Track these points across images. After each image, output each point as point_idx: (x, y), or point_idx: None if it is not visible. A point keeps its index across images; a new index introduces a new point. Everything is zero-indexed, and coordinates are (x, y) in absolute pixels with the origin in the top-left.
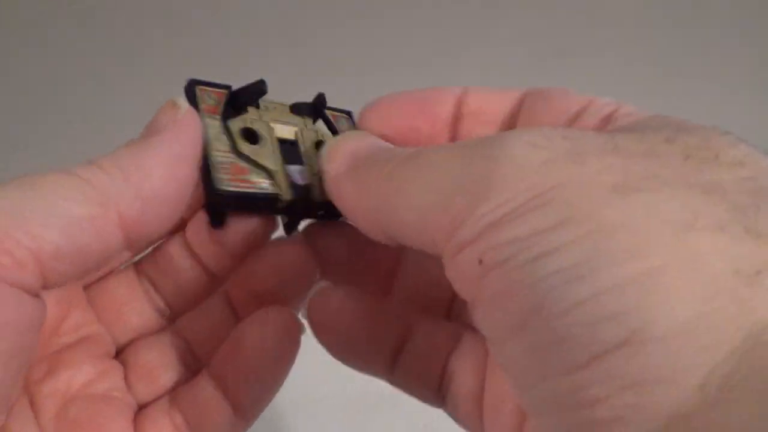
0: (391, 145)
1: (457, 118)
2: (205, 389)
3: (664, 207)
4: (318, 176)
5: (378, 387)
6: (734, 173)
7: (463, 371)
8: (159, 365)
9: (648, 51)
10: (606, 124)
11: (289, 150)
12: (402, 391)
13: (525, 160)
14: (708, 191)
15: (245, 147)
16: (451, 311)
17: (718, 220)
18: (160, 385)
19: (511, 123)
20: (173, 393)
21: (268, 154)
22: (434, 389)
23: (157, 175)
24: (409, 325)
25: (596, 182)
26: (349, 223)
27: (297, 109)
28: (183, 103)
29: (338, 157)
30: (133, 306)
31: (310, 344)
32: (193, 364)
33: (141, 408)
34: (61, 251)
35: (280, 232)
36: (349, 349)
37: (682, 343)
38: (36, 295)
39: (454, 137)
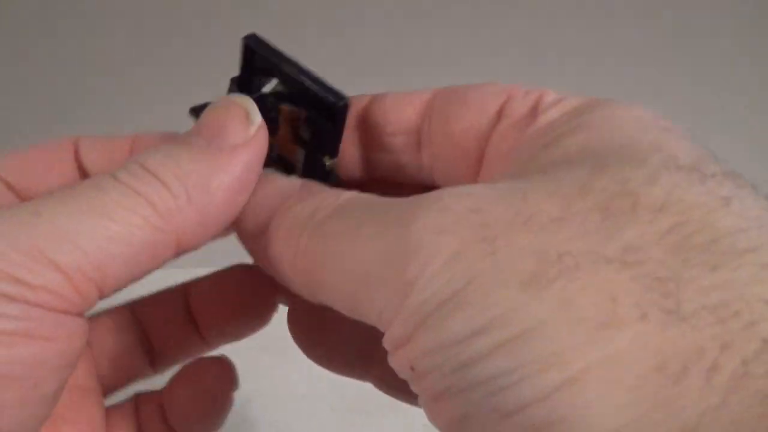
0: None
1: (363, 130)
2: (153, 419)
3: (581, 299)
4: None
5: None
6: (656, 225)
7: None
8: (120, 352)
9: (647, 50)
10: (534, 117)
11: None
12: (386, 393)
13: (436, 252)
14: (628, 263)
15: None
16: None
17: (638, 305)
18: (123, 375)
19: (420, 131)
20: (138, 398)
21: None
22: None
23: (221, 201)
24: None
25: (509, 276)
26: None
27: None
28: (256, 116)
29: (254, 212)
30: None
31: None
32: (150, 352)
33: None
34: (120, 279)
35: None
36: (324, 354)
37: None
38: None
39: (362, 154)
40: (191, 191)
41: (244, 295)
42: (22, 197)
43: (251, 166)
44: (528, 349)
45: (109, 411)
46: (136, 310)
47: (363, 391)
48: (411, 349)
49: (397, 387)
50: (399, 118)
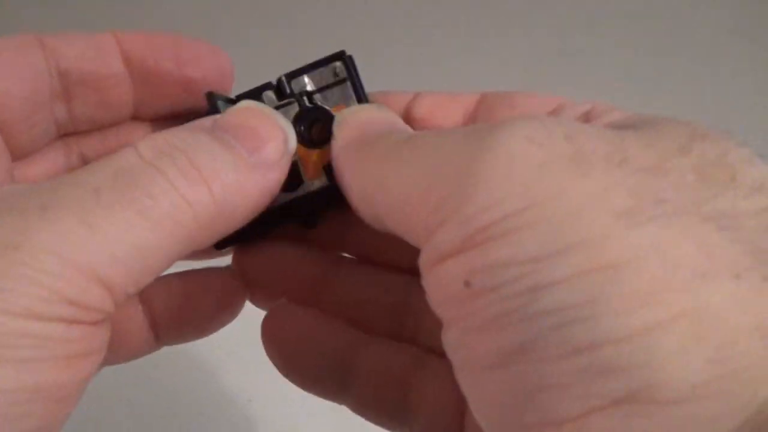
0: (406, 126)
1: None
2: (134, 317)
3: (677, 246)
4: None
5: None
6: (753, 202)
7: (434, 398)
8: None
9: (650, 50)
10: (587, 122)
11: None
12: (361, 416)
13: (520, 157)
14: (724, 227)
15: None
16: (402, 331)
17: (734, 265)
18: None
19: None
20: None
21: None
22: (395, 415)
23: (243, 215)
24: (358, 345)
25: (601, 203)
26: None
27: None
28: (293, 140)
29: (349, 127)
30: None
31: None
32: None
33: None
34: (143, 286)
35: None
36: (297, 369)
37: (690, 411)
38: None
39: None
40: (227, 204)
41: (205, 300)
42: None
43: (276, 187)
44: (617, 283)
45: None
46: None
47: None
48: (470, 260)
49: (377, 410)
50: (448, 112)
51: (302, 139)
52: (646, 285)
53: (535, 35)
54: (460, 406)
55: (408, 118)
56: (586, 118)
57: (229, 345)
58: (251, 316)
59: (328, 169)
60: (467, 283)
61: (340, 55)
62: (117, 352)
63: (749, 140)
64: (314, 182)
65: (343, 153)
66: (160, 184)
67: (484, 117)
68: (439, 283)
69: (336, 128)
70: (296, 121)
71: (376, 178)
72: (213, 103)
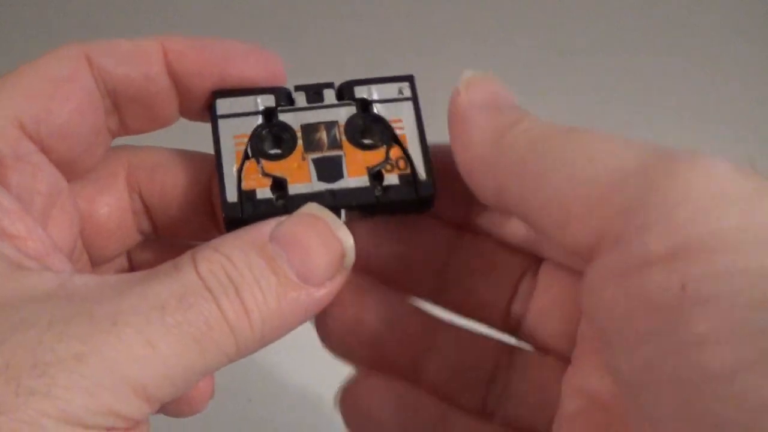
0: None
1: None
2: None
3: None
4: None
5: None
6: None
7: None
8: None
9: (651, 54)
10: None
11: None
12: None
13: (733, 179)
14: None
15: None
16: (486, 402)
17: None
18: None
19: None
20: None
21: None
22: None
23: (284, 333)
24: (444, 423)
25: None
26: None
27: None
28: (351, 257)
29: (479, 88)
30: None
31: (312, 343)
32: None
33: None
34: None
35: None
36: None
37: None
38: None
39: None
40: (267, 331)
41: None
42: (37, 140)
43: (323, 304)
44: None
45: None
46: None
47: None
48: (688, 264)
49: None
50: None
51: (353, 141)
52: None
53: (535, 36)
54: None
55: None
56: None
57: None
58: None
59: (372, 172)
60: (683, 287)
61: (409, 78)
62: None
63: (749, 139)
64: (353, 180)
65: (473, 115)
66: (214, 313)
67: None
68: (634, 287)
69: (463, 84)
70: (350, 122)
71: (525, 165)
72: (212, 107)
